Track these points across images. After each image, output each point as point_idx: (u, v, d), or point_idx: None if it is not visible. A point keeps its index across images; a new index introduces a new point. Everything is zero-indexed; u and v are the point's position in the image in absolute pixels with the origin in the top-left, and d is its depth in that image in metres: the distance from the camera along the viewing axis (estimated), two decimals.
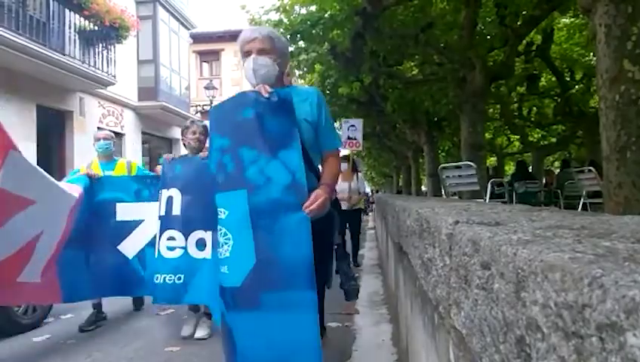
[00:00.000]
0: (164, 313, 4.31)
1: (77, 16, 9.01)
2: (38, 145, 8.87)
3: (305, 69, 10.54)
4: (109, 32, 9.71)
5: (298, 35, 8.65)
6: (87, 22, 9.23)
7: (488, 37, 8.64)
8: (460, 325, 0.76)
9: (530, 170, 13.34)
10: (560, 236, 0.59)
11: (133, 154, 12.61)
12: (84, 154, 10.34)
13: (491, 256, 0.57)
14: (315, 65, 10.02)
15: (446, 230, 0.93)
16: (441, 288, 1.00)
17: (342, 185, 7.11)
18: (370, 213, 21.33)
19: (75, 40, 9.09)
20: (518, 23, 7.46)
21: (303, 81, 12.84)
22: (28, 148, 8.63)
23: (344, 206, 6.86)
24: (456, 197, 7.16)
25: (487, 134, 16.25)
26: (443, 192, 7.02)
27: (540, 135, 17.22)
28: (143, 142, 13.05)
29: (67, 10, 8.77)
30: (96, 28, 9.43)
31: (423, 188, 17.96)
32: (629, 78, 3.07)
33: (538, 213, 1.24)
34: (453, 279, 0.84)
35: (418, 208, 1.56)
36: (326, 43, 8.72)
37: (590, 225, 0.73)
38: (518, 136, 16.42)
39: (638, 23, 3.03)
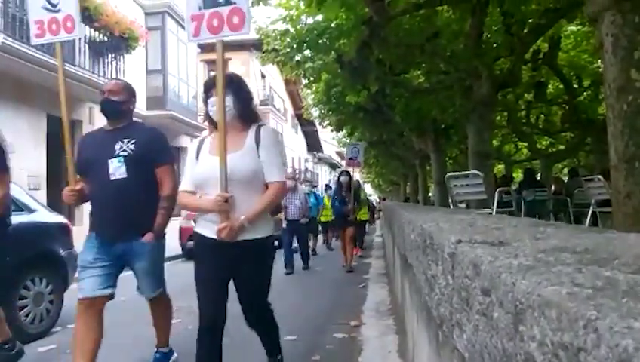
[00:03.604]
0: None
1: (87, 27, 9.14)
2: (47, 154, 8.98)
3: (311, 78, 10.60)
4: (119, 43, 9.84)
5: (304, 44, 8.72)
6: (97, 33, 9.36)
7: (495, 45, 8.62)
8: (462, 348, 0.76)
9: (539, 178, 13.23)
10: (562, 262, 0.59)
11: None
12: None
13: (491, 282, 0.57)
14: (322, 74, 10.07)
15: (449, 249, 0.92)
16: (444, 307, 0.99)
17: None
18: (377, 221, 21.26)
19: (85, 51, 9.22)
20: (525, 32, 7.44)
21: (309, 89, 12.90)
22: (39, 157, 8.75)
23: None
24: (464, 206, 7.13)
25: (494, 141, 16.17)
26: (450, 201, 6.99)
27: (548, 142, 17.10)
28: None
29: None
30: (105, 39, 9.57)
31: (431, 195, 17.88)
32: (636, 88, 3.05)
33: (544, 228, 1.23)
34: (455, 299, 0.83)
35: (422, 222, 1.55)
36: (332, 52, 8.77)
37: (594, 248, 0.72)
38: (526, 144, 16.31)
39: None
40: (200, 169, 2.27)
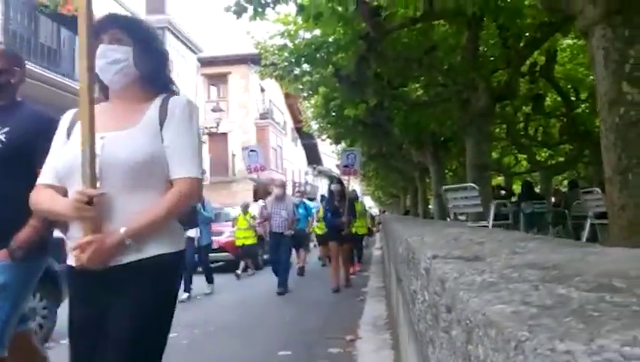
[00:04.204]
0: None
1: None
2: None
3: (310, 92, 10.67)
4: None
5: (303, 59, 8.79)
6: None
7: (491, 58, 8.69)
8: None
9: (539, 190, 13.22)
10: (524, 278, 0.58)
11: None
12: None
13: (452, 299, 0.56)
14: (320, 88, 10.14)
15: (424, 264, 0.92)
16: (422, 323, 0.99)
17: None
18: (377, 233, 21.21)
19: None
20: (521, 45, 7.50)
21: (308, 103, 12.98)
22: None
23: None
24: (464, 218, 7.11)
25: (494, 154, 16.19)
26: (448, 213, 6.98)
27: (547, 154, 17.12)
28: None
29: (77, 37, 9.00)
30: None
31: (431, 207, 17.86)
32: (628, 101, 3.06)
33: (525, 243, 1.23)
34: (429, 316, 0.82)
35: (408, 236, 1.54)
36: (330, 66, 8.84)
37: (564, 264, 0.72)
38: (525, 156, 16.34)
39: (635, 45, 3.04)
40: (67, 153, 1.49)
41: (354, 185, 18.50)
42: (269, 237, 7.74)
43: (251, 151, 8.43)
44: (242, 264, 9.61)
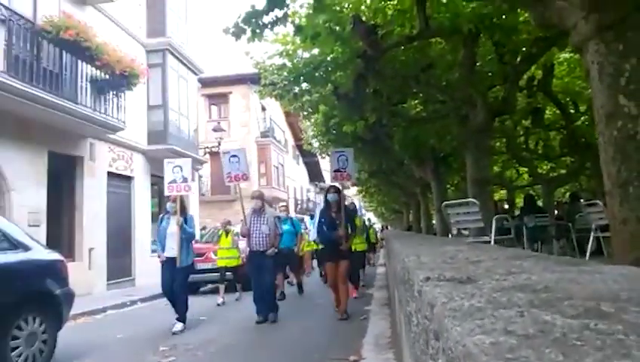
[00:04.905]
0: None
1: (89, 66, 9.36)
2: (48, 190, 9.03)
3: (310, 110, 10.75)
4: (120, 80, 10.04)
5: (301, 78, 8.87)
6: (98, 71, 9.57)
7: (489, 74, 8.75)
8: None
9: (541, 203, 13.17)
10: (512, 303, 0.58)
11: (142, 196, 12.75)
12: (93, 199, 10.49)
13: (439, 326, 0.56)
14: (320, 106, 10.21)
15: (417, 286, 0.91)
16: (418, 345, 0.97)
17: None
18: (381, 249, 21.07)
19: (86, 88, 9.41)
20: (518, 60, 7.57)
21: (308, 121, 13.05)
22: (40, 193, 8.80)
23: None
24: (467, 233, 7.06)
25: (495, 167, 16.19)
26: (450, 229, 6.95)
27: (549, 167, 17.10)
28: (153, 185, 13.21)
29: (79, 62, 9.12)
30: (107, 77, 9.77)
31: (434, 222, 17.79)
32: (625, 114, 3.06)
33: (521, 262, 1.22)
34: (422, 340, 0.81)
35: (405, 256, 1.53)
36: (329, 84, 8.91)
37: (555, 285, 0.71)
38: (526, 169, 16.32)
39: (630, 59, 3.05)
40: None
41: (356, 201, 18.45)
42: (246, 259, 6.63)
43: (232, 156, 6.75)
44: (222, 289, 8.48)
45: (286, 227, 8.33)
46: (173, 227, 6.06)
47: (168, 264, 6.02)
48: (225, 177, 6.75)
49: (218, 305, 8.16)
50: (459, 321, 0.48)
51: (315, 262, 13.17)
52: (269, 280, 6.37)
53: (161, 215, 6.84)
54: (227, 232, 8.87)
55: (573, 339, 0.40)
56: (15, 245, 4.10)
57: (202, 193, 16.06)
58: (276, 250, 6.47)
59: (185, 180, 6.48)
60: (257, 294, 6.28)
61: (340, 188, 6.61)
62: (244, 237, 6.53)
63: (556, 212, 11.61)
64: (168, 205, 6.38)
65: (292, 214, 13.74)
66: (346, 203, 7.42)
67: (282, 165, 25.88)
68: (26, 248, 4.27)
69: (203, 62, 15.66)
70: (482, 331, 0.43)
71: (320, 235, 6.58)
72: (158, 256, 6.24)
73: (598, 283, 0.73)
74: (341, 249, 6.08)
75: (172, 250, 5.99)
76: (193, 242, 6.54)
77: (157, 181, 13.61)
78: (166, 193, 6.53)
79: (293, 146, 30.52)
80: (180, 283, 6.03)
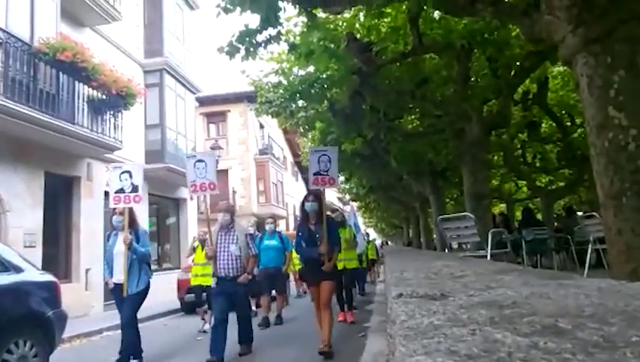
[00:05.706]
0: None
1: (85, 87, 9.42)
2: (45, 211, 8.99)
3: (306, 127, 10.79)
4: (117, 100, 10.10)
5: (297, 95, 8.93)
6: (95, 92, 9.63)
7: (484, 88, 8.81)
8: None
9: (541, 216, 13.12)
10: (472, 319, 0.56)
11: (140, 215, 12.68)
12: (90, 219, 10.44)
13: (394, 344, 0.54)
14: (316, 123, 10.26)
15: (390, 303, 0.89)
16: None
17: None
18: (382, 266, 20.90)
19: (83, 109, 9.45)
20: (511, 74, 7.63)
21: (305, 138, 13.10)
22: (36, 214, 8.77)
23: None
24: (467, 246, 7.02)
25: (494, 181, 16.19)
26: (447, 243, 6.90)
27: (547, 180, 17.10)
28: (150, 203, 13.18)
29: (76, 82, 9.19)
30: (104, 97, 9.83)
31: (435, 236, 17.70)
32: (615, 125, 3.07)
33: (504, 276, 1.20)
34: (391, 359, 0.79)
35: (390, 271, 1.51)
36: (325, 101, 8.97)
37: (524, 300, 0.69)
38: (525, 182, 16.31)
39: (618, 71, 3.06)
40: None
41: (359, 218, 18.29)
42: (213, 285, 5.11)
43: (198, 161, 5.26)
44: (202, 312, 7.34)
45: (274, 243, 7.51)
46: (120, 246, 4.94)
47: (117, 291, 4.93)
48: (189, 186, 5.34)
49: (200, 331, 7.01)
50: (407, 340, 0.46)
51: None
52: (244, 315, 5.37)
53: (107, 232, 5.63)
54: (203, 245, 6.75)
55: (518, 359, 0.38)
56: (7, 267, 4.06)
57: (201, 211, 16.01)
58: (249, 277, 5.24)
59: (135, 189, 5.28)
60: (219, 331, 4.84)
61: (321, 194, 5.16)
62: (210, 259, 5.23)
63: (555, 224, 11.56)
64: (114, 219, 5.17)
65: (291, 231, 13.62)
66: (331, 213, 6.22)
67: (281, 182, 25.87)
68: (18, 270, 4.23)
69: (201, 82, 15.81)
70: (425, 351, 0.41)
71: (298, 252, 5.28)
72: (106, 283, 5.16)
73: (570, 298, 0.71)
74: (323, 269, 4.78)
75: (120, 274, 4.89)
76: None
77: (155, 200, 13.61)
78: (111, 205, 5.30)
79: (291, 163, 30.58)
80: (128, 315, 4.84)
